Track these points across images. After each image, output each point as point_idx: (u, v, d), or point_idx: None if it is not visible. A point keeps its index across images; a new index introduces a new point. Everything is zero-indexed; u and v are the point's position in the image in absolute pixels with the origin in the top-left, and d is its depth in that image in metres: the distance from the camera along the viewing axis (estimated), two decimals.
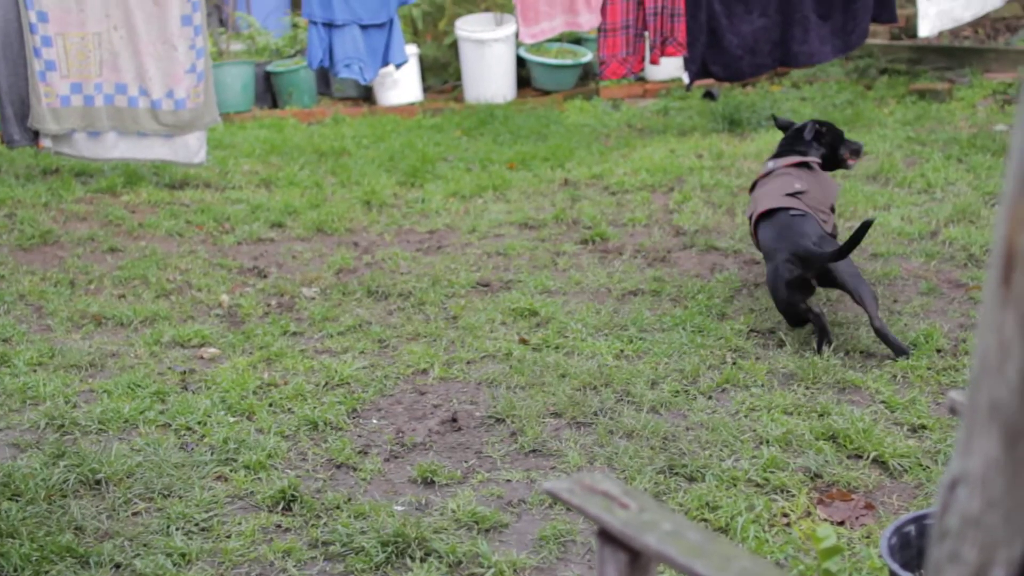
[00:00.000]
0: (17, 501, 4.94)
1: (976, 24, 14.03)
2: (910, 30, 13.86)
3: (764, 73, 11.88)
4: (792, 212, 6.67)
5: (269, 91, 13.72)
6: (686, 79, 11.16)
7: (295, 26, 14.75)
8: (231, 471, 5.23)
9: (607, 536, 2.57)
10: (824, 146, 7.41)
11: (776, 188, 6.95)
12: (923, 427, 5.44)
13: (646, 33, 11.19)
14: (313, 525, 4.77)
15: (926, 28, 11.47)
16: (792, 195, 6.83)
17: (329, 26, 10.47)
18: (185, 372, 6.34)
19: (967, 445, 1.78)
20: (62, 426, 5.67)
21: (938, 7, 11.47)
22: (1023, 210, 1.67)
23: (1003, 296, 1.71)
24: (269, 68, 13.60)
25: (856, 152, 7.49)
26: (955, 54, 13.35)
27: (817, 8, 11.11)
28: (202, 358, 6.59)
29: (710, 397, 5.86)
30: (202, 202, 9.57)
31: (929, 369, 6.05)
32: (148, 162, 9.52)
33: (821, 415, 5.56)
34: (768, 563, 2.55)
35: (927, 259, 7.66)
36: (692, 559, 2.37)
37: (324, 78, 13.91)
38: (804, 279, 6.40)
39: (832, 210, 7.05)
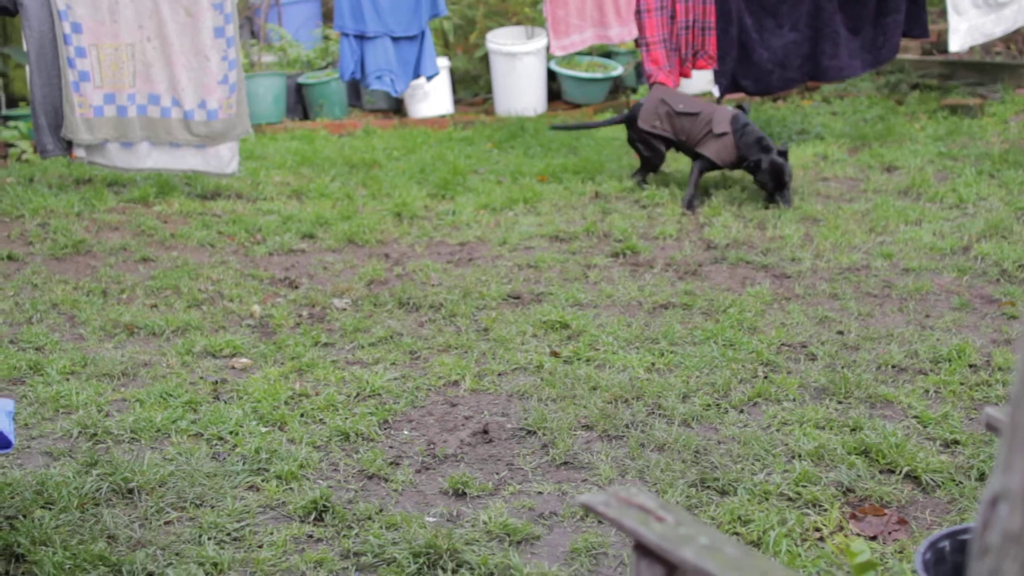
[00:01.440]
0: (50, 509, 4.96)
1: (1008, 40, 14.00)
2: (941, 45, 13.85)
3: (794, 87, 11.87)
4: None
5: (300, 103, 13.77)
6: (716, 92, 11.17)
7: (326, 38, 14.81)
8: (263, 481, 5.24)
9: (643, 550, 2.57)
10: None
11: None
12: (956, 442, 5.42)
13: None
14: (345, 536, 4.78)
15: (957, 43, 11.45)
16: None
17: (361, 38, 10.50)
18: (217, 382, 6.35)
19: (1008, 462, 1.78)
20: (95, 435, 5.69)
21: (969, 22, 11.45)
22: None
23: None
24: (300, 80, 13.66)
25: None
26: (987, 69, 13.33)
27: (847, 22, 11.10)
28: (234, 368, 6.61)
29: (742, 411, 5.85)
30: (234, 213, 9.60)
31: (962, 384, 6.03)
32: (180, 172, 9.56)
33: (853, 429, 5.55)
34: None
35: (959, 274, 7.64)
36: (729, 573, 2.37)
37: (355, 90, 13.95)
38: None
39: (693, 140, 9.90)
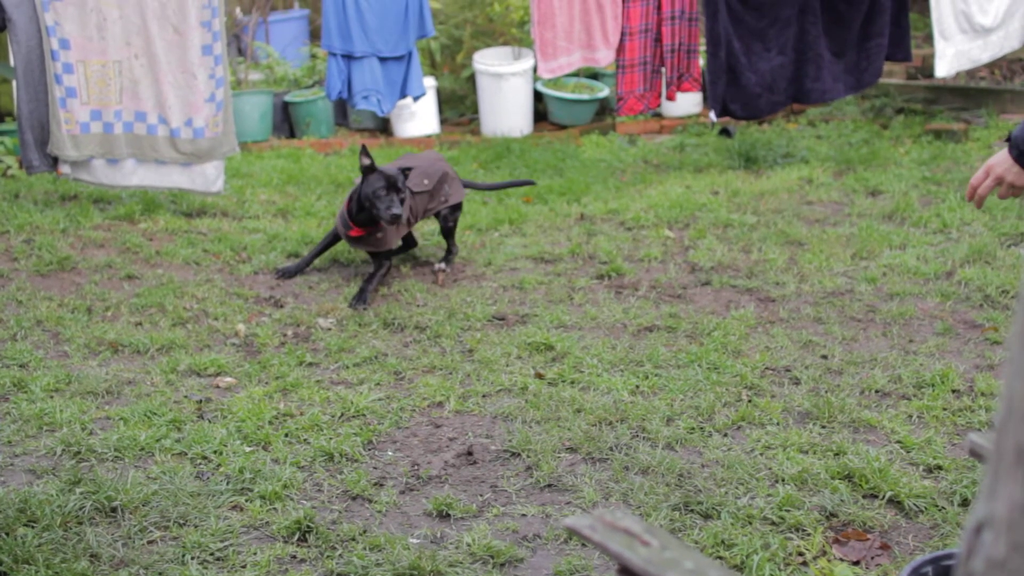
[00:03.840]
0: (33, 527, 4.95)
1: (992, 65, 14.06)
2: (926, 70, 13.91)
3: (780, 111, 11.91)
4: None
5: (287, 121, 13.78)
6: (712, 117, 11.18)
7: (313, 56, 14.83)
8: (247, 501, 5.24)
9: (628, 573, 2.57)
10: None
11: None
12: (939, 467, 5.44)
13: (663, 69, 11.24)
14: (328, 556, 4.78)
15: (943, 69, 11.51)
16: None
17: (348, 58, 10.53)
18: (201, 401, 6.35)
19: (992, 489, 1.78)
20: (78, 453, 5.68)
21: (956, 48, 11.51)
22: None
23: None
24: (287, 98, 13.66)
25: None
26: (971, 94, 13.38)
27: (831, 46, 11.15)
28: (218, 387, 6.60)
29: (725, 435, 5.86)
30: (219, 231, 9.59)
31: (945, 410, 6.05)
32: (166, 190, 9.57)
33: (836, 454, 5.56)
34: None
35: (943, 299, 7.66)
36: None
37: (341, 109, 13.96)
38: None
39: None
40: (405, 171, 8.25)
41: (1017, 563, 1.73)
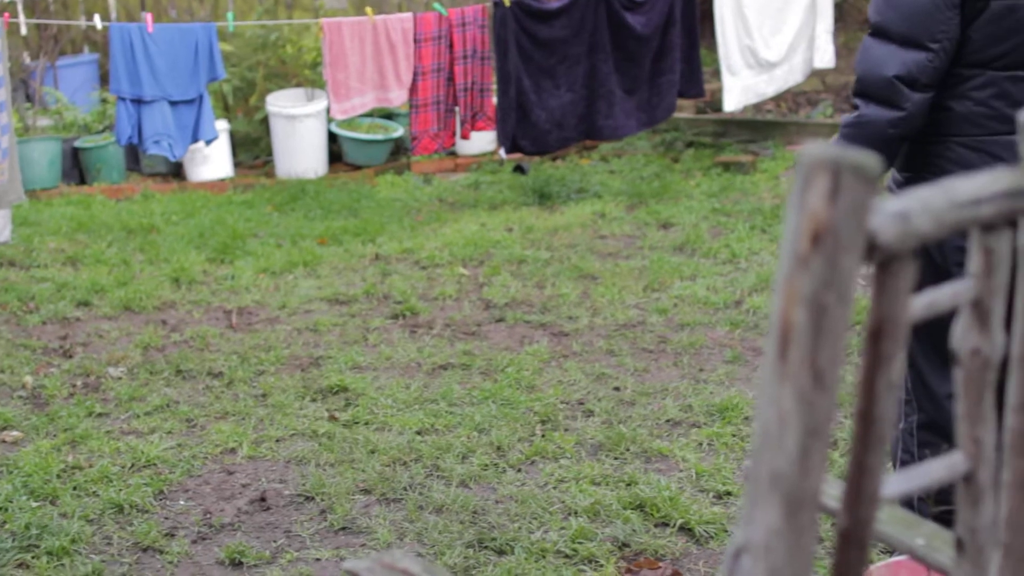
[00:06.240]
0: None
1: (778, 98, 14.40)
2: (715, 104, 14.19)
3: (571, 146, 12.05)
4: None
5: (77, 167, 13.52)
6: (502, 154, 11.28)
7: (104, 101, 14.58)
8: (33, 558, 5.12)
9: None
10: None
11: None
12: (728, 493, 5.53)
13: (456, 108, 11.30)
14: None
15: (731, 103, 11.77)
16: None
17: (138, 102, 10.39)
18: None
19: (750, 515, 1.82)
20: None
21: (743, 82, 11.78)
22: (796, 286, 1.72)
23: (780, 370, 1.76)
24: (77, 144, 13.41)
25: None
26: (758, 127, 13.70)
27: (622, 83, 11.32)
28: (4, 442, 6.44)
29: (519, 469, 5.89)
30: (5, 281, 9.38)
31: (734, 436, 6.15)
32: None
33: (628, 484, 5.62)
34: None
35: (731, 327, 7.80)
36: None
37: (133, 154, 13.76)
38: None
39: None
40: None
41: None
